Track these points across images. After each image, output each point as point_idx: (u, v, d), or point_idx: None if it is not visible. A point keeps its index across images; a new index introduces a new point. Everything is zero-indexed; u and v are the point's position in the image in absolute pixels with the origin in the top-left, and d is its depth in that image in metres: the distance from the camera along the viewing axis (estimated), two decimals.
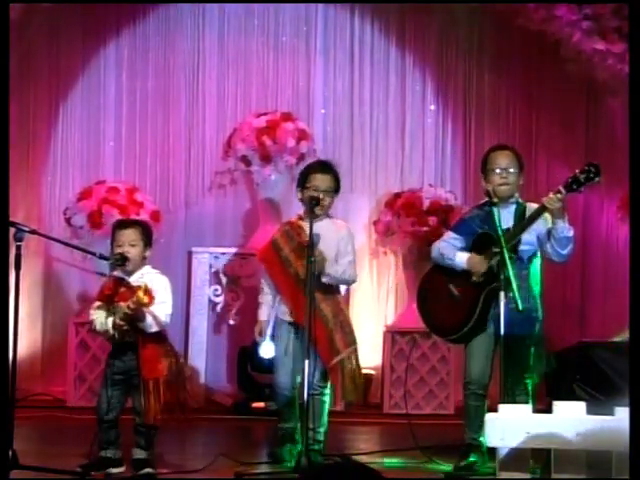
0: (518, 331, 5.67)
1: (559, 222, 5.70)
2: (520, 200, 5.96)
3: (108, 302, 5.61)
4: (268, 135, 8.28)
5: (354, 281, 6.37)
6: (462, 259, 5.90)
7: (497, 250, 5.65)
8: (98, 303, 5.69)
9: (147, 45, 9.04)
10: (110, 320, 5.58)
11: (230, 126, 8.68)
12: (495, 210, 5.70)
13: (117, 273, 5.75)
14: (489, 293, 5.80)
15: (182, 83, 9.02)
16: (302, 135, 8.38)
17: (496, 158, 5.96)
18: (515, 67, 9.15)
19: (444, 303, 6.00)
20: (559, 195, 5.61)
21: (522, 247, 5.80)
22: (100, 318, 5.62)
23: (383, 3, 9.09)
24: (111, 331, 5.58)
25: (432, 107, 9.20)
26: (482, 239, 5.87)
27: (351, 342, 6.10)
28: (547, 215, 5.75)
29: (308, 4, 9.10)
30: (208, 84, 9.04)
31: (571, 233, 5.75)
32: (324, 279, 5.98)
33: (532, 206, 5.91)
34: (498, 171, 5.89)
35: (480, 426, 5.83)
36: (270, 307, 6.21)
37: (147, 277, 5.68)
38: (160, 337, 5.64)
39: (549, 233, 5.77)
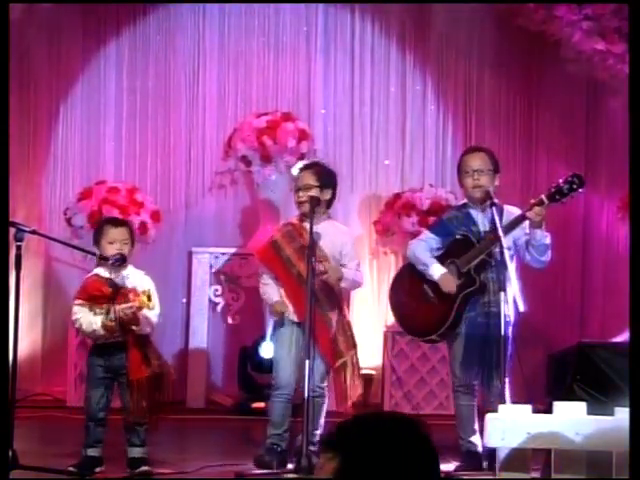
0: (490, 333, 5.68)
1: (537, 231, 5.70)
2: (496, 202, 5.93)
3: (92, 301, 5.58)
4: (268, 135, 8.27)
5: (362, 284, 6.41)
6: (436, 272, 5.89)
7: (484, 253, 5.67)
8: (81, 302, 5.64)
9: (147, 45, 9.03)
10: (99, 320, 5.54)
11: (230, 126, 8.68)
12: (495, 211, 5.71)
13: (100, 271, 5.71)
14: (464, 297, 5.81)
15: (182, 83, 9.01)
16: (302, 135, 8.37)
17: (468, 160, 5.97)
18: (515, 67, 9.15)
19: (418, 303, 6.01)
20: (542, 208, 5.61)
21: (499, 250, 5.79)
22: (86, 317, 5.57)
23: (383, 3, 9.08)
24: (101, 331, 5.54)
25: (432, 107, 9.20)
26: (460, 242, 5.87)
27: (353, 345, 6.13)
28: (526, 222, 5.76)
29: (308, 4, 9.09)
30: (208, 84, 9.03)
31: (548, 240, 5.76)
32: (343, 284, 5.99)
33: (509, 209, 5.91)
34: (470, 173, 5.90)
35: (471, 426, 5.86)
36: (277, 291, 6.16)
37: (133, 278, 5.66)
38: (147, 339, 5.64)
39: (527, 241, 5.77)
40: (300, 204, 6.08)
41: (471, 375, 5.89)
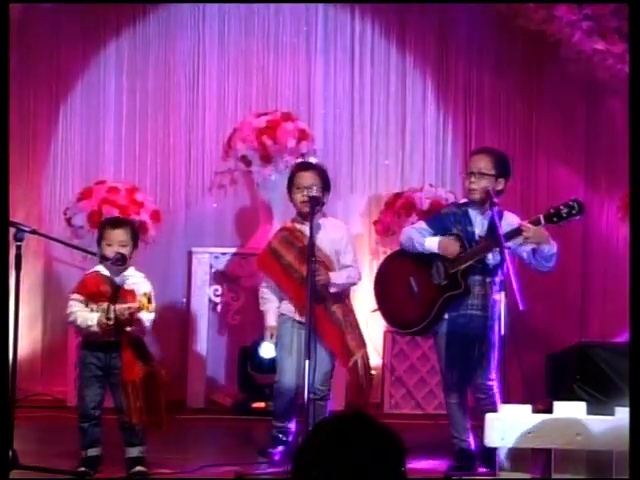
0: (472, 334, 5.71)
1: (545, 247, 5.71)
2: (496, 207, 5.87)
3: (89, 298, 5.57)
4: (268, 135, 8.27)
5: (360, 280, 6.39)
6: (433, 243, 5.87)
7: (475, 259, 5.69)
8: (77, 296, 5.63)
9: (147, 45, 9.02)
10: (95, 317, 5.52)
11: (230, 126, 8.68)
12: (496, 213, 5.72)
13: (100, 269, 5.70)
14: (447, 299, 5.81)
15: (182, 83, 9.01)
16: (302, 135, 8.37)
17: (470, 161, 6.01)
18: (515, 67, 9.15)
19: (401, 295, 6.02)
20: (538, 229, 5.61)
21: (490, 255, 5.79)
22: (82, 313, 5.56)
23: (383, 3, 9.09)
24: (95, 328, 5.51)
25: (432, 107, 9.20)
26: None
27: (363, 343, 6.15)
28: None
29: (308, 4, 9.10)
30: (208, 84, 9.03)
31: (555, 249, 5.76)
32: (332, 289, 6.01)
33: (508, 216, 5.88)
34: (469, 175, 5.91)
35: (462, 424, 5.88)
36: (275, 312, 6.18)
37: (132, 281, 5.65)
38: (140, 341, 5.63)
39: (533, 249, 5.76)
40: (303, 203, 6.09)
41: (453, 374, 5.90)
